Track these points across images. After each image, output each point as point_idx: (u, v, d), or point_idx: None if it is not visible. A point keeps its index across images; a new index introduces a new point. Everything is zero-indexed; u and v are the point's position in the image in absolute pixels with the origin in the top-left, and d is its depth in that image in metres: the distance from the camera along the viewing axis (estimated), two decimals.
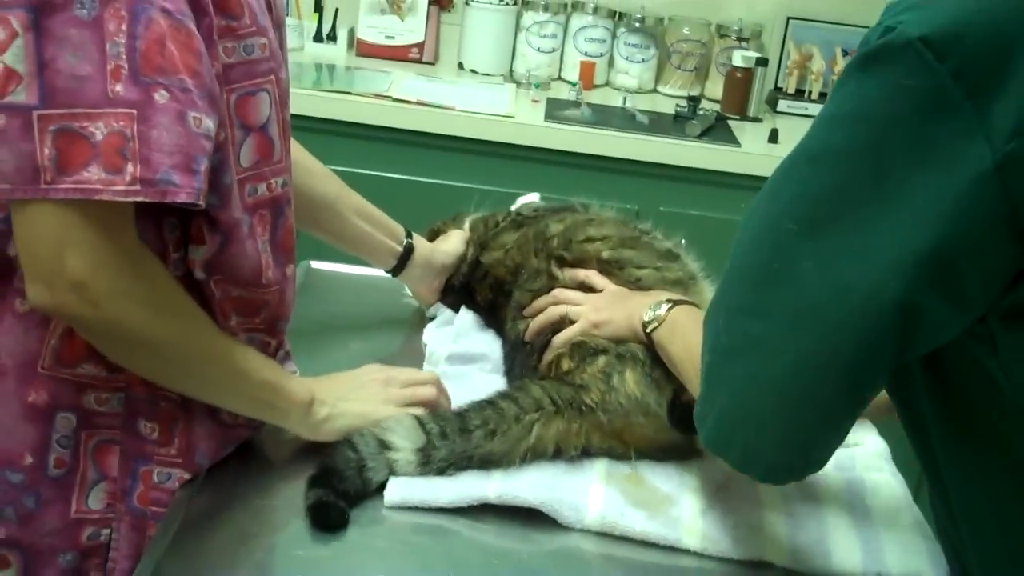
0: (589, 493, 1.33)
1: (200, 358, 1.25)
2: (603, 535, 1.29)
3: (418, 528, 1.27)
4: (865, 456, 1.50)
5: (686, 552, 1.28)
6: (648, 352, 1.42)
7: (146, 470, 1.30)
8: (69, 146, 1.07)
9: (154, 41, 1.09)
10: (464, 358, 1.62)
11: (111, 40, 1.08)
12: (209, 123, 1.13)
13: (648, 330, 1.39)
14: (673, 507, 1.34)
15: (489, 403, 1.38)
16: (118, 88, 1.08)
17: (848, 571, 1.27)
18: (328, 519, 1.25)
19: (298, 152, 1.61)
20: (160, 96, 1.09)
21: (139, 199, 1.08)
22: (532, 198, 1.91)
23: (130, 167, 1.08)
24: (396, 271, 1.74)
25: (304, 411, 1.34)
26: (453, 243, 1.78)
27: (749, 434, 1.03)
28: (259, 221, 1.28)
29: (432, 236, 1.83)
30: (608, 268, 1.57)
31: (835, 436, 1.04)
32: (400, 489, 1.31)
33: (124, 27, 1.08)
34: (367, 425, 1.34)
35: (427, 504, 1.30)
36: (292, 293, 1.37)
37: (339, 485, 1.28)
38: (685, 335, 1.32)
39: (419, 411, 1.39)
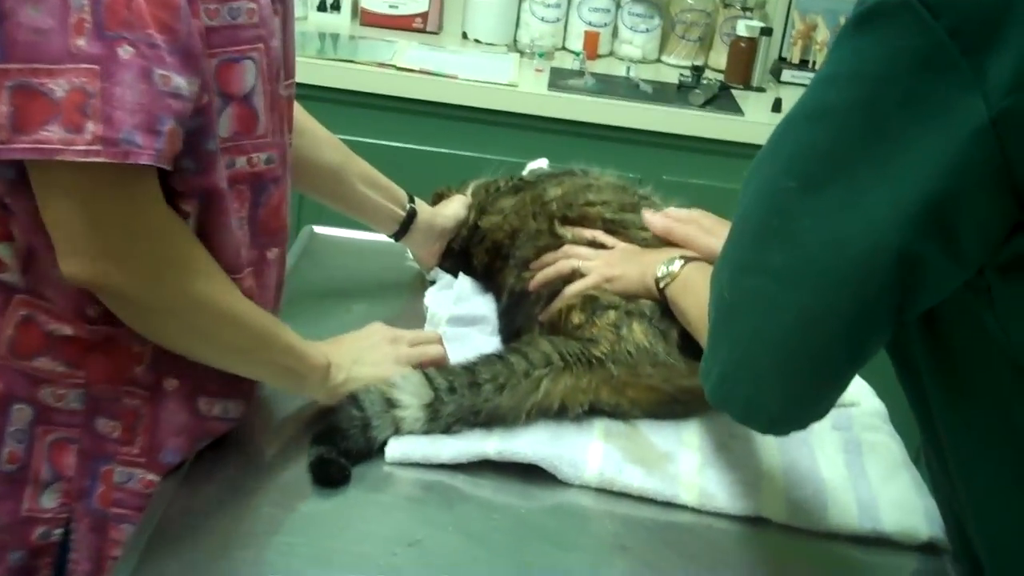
0: (588, 450, 1.35)
1: (228, 322, 1.22)
2: (601, 491, 1.31)
3: (418, 484, 1.29)
4: (862, 416, 1.51)
5: (683, 508, 1.30)
6: (656, 307, 1.44)
7: (107, 469, 1.26)
8: (28, 103, 1.02)
9: None
10: (465, 320, 1.63)
11: None
12: (180, 81, 1.08)
13: (661, 286, 1.41)
14: (671, 464, 1.35)
15: (498, 357, 1.39)
16: (80, 43, 1.03)
17: (844, 527, 1.29)
18: (329, 475, 1.27)
19: (305, 120, 1.62)
20: (124, 51, 1.04)
21: (99, 159, 1.03)
22: (541, 164, 1.92)
23: (91, 125, 1.03)
24: (398, 235, 1.75)
25: (323, 376, 1.34)
26: (454, 207, 1.79)
27: (751, 388, 1.04)
28: (236, 196, 1.24)
29: (436, 200, 1.84)
30: (612, 228, 1.58)
31: (835, 389, 1.04)
32: (401, 446, 1.32)
33: None
34: (380, 382, 1.35)
35: (428, 460, 1.31)
36: (276, 278, 1.34)
37: (342, 443, 1.29)
38: (697, 292, 1.34)
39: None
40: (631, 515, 1.28)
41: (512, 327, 1.58)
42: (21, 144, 1.03)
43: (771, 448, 1.40)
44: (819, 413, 1.06)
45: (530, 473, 1.31)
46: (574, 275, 1.51)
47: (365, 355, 1.40)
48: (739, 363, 1.04)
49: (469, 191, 1.84)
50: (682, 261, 1.41)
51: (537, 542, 1.21)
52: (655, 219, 1.56)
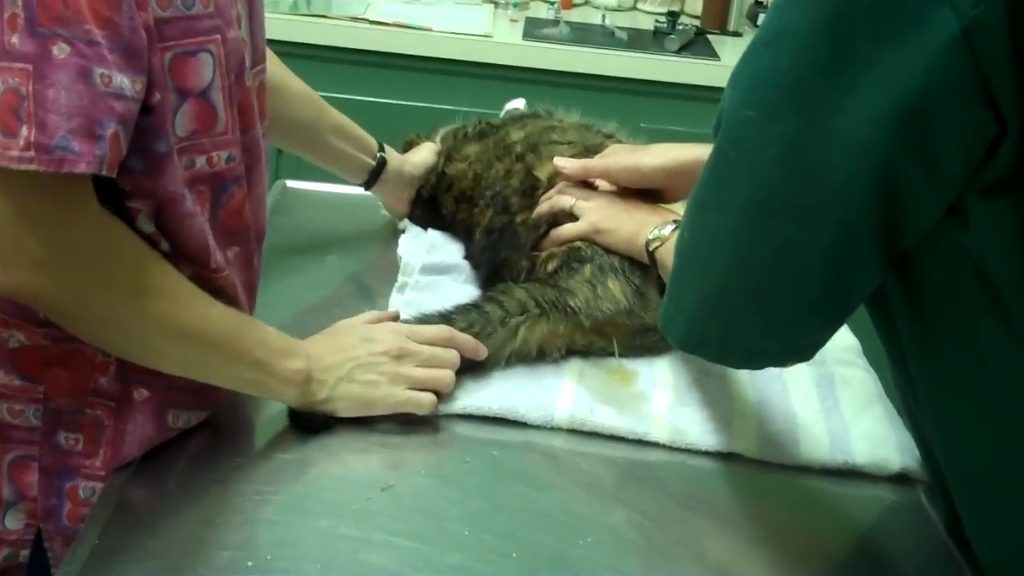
0: (560, 392, 1.35)
1: (179, 338, 1.14)
2: (574, 432, 1.31)
3: (392, 429, 1.28)
4: (835, 351, 1.51)
5: (656, 446, 1.30)
6: (628, 262, 1.43)
7: (71, 486, 1.19)
8: None
9: None
10: (438, 268, 1.62)
11: None
12: (122, 80, 1.00)
13: (651, 248, 1.39)
14: (644, 403, 1.35)
15: (474, 306, 1.39)
16: (14, 40, 0.96)
17: (815, 460, 1.29)
18: (310, 423, 1.26)
19: (281, 75, 1.59)
20: (59, 50, 0.97)
21: (32, 167, 0.96)
22: (519, 103, 1.91)
23: (24, 130, 0.96)
24: (368, 184, 1.75)
25: (299, 391, 1.23)
26: (423, 154, 1.79)
27: (723, 327, 1.03)
28: (197, 198, 1.16)
29: (406, 148, 1.83)
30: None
31: (824, 325, 1.03)
32: None
33: None
34: (369, 412, 1.27)
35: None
36: (243, 278, 1.26)
37: None
38: None
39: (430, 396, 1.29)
40: (603, 454, 1.29)
41: (493, 263, 1.56)
42: None
43: (744, 384, 1.40)
44: (806, 348, 1.05)
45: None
46: (566, 215, 1.50)
47: (358, 373, 1.26)
48: (708, 303, 1.03)
49: (438, 138, 1.83)
50: (674, 225, 1.39)
51: (510, 482, 1.21)
52: (566, 162, 1.54)
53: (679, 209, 1.49)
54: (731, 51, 3.03)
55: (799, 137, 0.92)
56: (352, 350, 1.28)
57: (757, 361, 1.09)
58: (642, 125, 2.83)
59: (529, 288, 1.42)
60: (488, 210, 1.61)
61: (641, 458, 1.28)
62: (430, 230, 1.74)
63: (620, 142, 1.65)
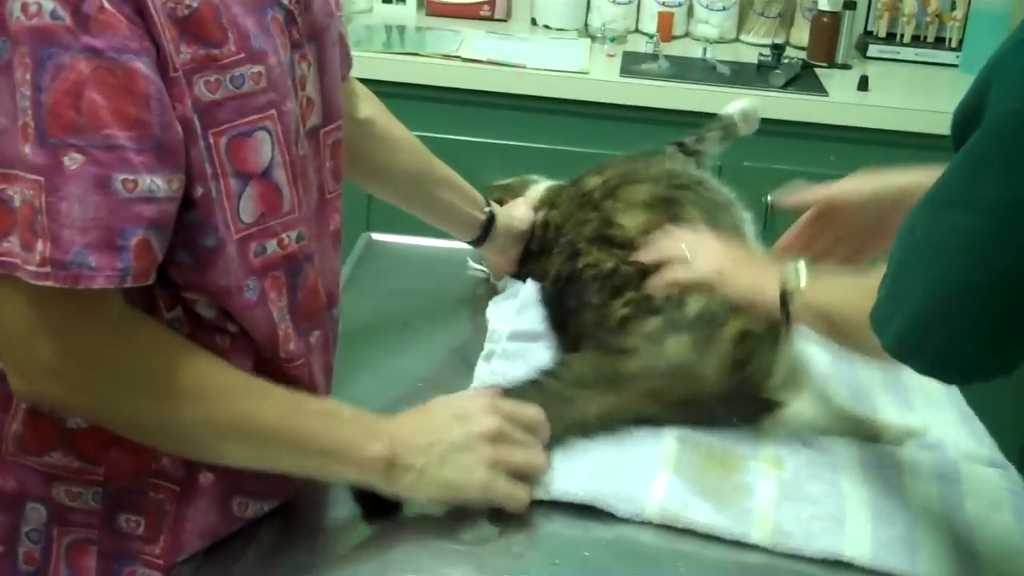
0: (653, 483, 1.24)
1: (226, 437, 1.08)
2: (665, 527, 1.20)
3: (474, 526, 1.19)
4: (958, 436, 1.39)
5: (755, 548, 1.18)
6: (702, 320, 1.34)
7: (130, 571, 1.13)
8: None
9: (65, 92, 0.92)
10: (527, 335, 1.53)
11: (19, 91, 0.92)
12: (154, 182, 0.95)
13: (787, 287, 1.23)
14: (747, 498, 1.24)
15: (532, 383, 1.32)
16: (27, 150, 0.92)
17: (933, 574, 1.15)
18: (377, 508, 1.18)
19: (386, 123, 1.55)
20: (71, 160, 0.93)
21: (48, 283, 0.93)
22: (741, 104, 1.80)
23: (40, 245, 0.93)
24: (479, 241, 1.66)
25: (381, 478, 1.13)
26: (523, 209, 1.69)
27: (946, 338, 0.95)
28: (272, 285, 1.10)
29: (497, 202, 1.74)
30: (663, 206, 1.50)
31: None
32: None
33: (28, 76, 0.92)
34: (457, 499, 1.18)
35: None
36: (322, 362, 1.21)
37: None
38: (829, 290, 1.20)
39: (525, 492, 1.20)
40: (705, 556, 1.17)
41: (559, 313, 1.50)
42: None
43: (857, 475, 1.28)
44: (1013, 362, 0.95)
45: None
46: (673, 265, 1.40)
47: (451, 456, 1.15)
48: (934, 310, 0.94)
49: (534, 195, 1.73)
50: (805, 264, 1.23)
51: None
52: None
53: None
54: (839, 85, 2.89)
55: None
56: (445, 431, 1.17)
57: (970, 376, 0.99)
58: (746, 164, 2.74)
59: (585, 359, 1.37)
60: (559, 257, 1.53)
61: (748, 562, 1.17)
62: (524, 288, 1.64)
63: (708, 188, 1.58)
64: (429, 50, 2.87)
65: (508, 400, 1.25)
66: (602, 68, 2.88)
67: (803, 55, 3.06)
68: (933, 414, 1.45)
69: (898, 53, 3.14)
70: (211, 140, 1.02)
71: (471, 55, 2.84)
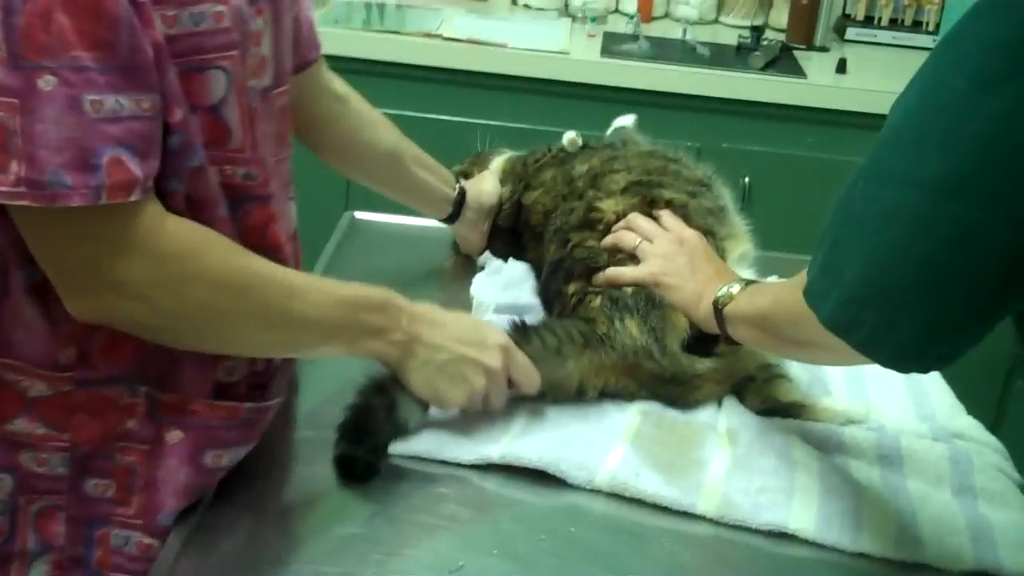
0: (608, 453, 1.27)
1: (279, 324, 1.14)
2: (656, 508, 1.22)
3: (460, 500, 1.21)
4: (902, 417, 1.42)
5: (701, 518, 1.21)
6: (648, 305, 1.39)
7: (103, 533, 1.16)
8: None
9: (36, 15, 0.94)
10: (513, 309, 1.54)
11: None
12: (119, 102, 0.98)
13: (720, 305, 1.31)
14: (699, 471, 1.26)
15: (534, 330, 1.36)
16: (0, 74, 0.94)
17: (876, 550, 1.18)
18: (354, 472, 1.21)
19: (361, 106, 1.57)
20: (45, 83, 0.95)
21: (25, 202, 0.96)
22: (628, 121, 1.83)
23: (14, 165, 0.95)
24: (452, 218, 1.68)
25: (399, 353, 1.22)
26: (490, 182, 1.73)
27: (882, 313, 0.95)
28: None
29: (461, 178, 1.76)
30: (638, 189, 1.54)
31: (975, 327, 0.94)
32: (403, 439, 1.27)
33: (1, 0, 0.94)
34: (435, 404, 1.26)
35: (430, 456, 1.25)
36: None
37: (368, 440, 1.23)
38: (761, 293, 1.27)
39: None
40: (690, 532, 1.19)
41: (547, 296, 1.53)
42: None
43: (809, 450, 1.30)
44: (949, 354, 0.96)
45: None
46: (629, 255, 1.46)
47: (451, 367, 1.24)
48: (871, 283, 0.95)
49: (495, 166, 1.77)
50: (739, 286, 1.31)
51: (588, 566, 1.12)
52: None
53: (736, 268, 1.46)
54: (817, 67, 2.90)
55: (1010, 114, 0.85)
56: (458, 345, 1.25)
57: (903, 360, 0.99)
58: (724, 145, 2.76)
59: (569, 322, 1.40)
60: (551, 246, 1.56)
61: (731, 538, 1.18)
62: (507, 266, 1.66)
63: (686, 166, 1.62)
64: (410, 28, 2.87)
65: (521, 352, 1.29)
66: (583, 48, 2.89)
67: (782, 37, 3.08)
68: (884, 393, 1.47)
69: (876, 36, 3.16)
70: (172, 71, 1.05)
71: (452, 34, 2.83)
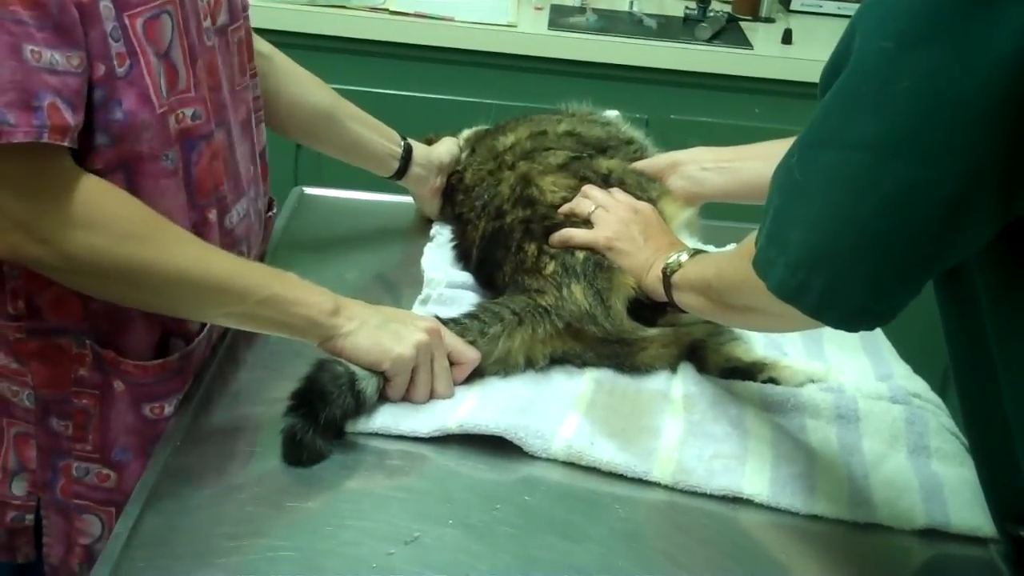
0: (562, 421, 1.27)
1: (179, 280, 1.17)
2: (610, 475, 1.22)
3: (413, 472, 1.21)
4: (860, 376, 1.45)
5: (656, 485, 1.22)
6: (596, 269, 1.41)
7: (65, 464, 1.27)
8: None
9: None
10: (463, 285, 1.55)
11: None
12: (54, 56, 1.05)
13: (668, 272, 1.33)
14: (652, 439, 1.27)
15: (453, 321, 1.36)
16: None
17: (830, 511, 1.19)
18: (299, 458, 1.20)
19: (287, 63, 1.59)
20: None
21: None
22: (610, 115, 1.82)
23: None
24: (399, 174, 1.69)
25: (327, 318, 1.24)
26: (448, 143, 1.75)
27: (829, 276, 0.95)
28: (179, 156, 1.22)
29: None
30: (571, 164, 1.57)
31: (917, 280, 0.95)
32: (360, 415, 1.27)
33: None
34: (379, 361, 1.25)
35: (387, 431, 1.25)
36: (221, 240, 1.31)
37: (325, 412, 1.21)
38: (707, 261, 1.29)
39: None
40: (644, 499, 1.20)
41: (488, 269, 1.52)
42: None
43: (761, 414, 1.32)
44: (894, 308, 0.97)
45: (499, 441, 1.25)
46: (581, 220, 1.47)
47: (390, 325, 1.27)
48: (816, 247, 0.95)
49: (464, 134, 1.79)
50: (688, 255, 1.34)
51: (543, 534, 1.12)
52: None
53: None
54: (764, 38, 2.91)
55: (938, 69, 0.86)
56: (388, 318, 1.29)
57: (853, 320, 0.99)
58: (672, 117, 2.76)
59: (501, 301, 1.41)
60: (480, 221, 1.56)
61: (685, 504, 1.19)
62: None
63: (618, 133, 1.67)
64: (355, 3, 2.83)
65: (450, 332, 1.31)
66: (530, 21, 2.88)
67: (728, 8, 3.08)
68: (842, 355, 1.49)
69: (821, 6, 3.17)
70: (126, 22, 1.13)
71: (398, 8, 2.81)
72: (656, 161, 1.64)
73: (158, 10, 1.16)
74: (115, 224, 1.13)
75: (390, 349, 1.24)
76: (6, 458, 1.27)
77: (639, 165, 1.63)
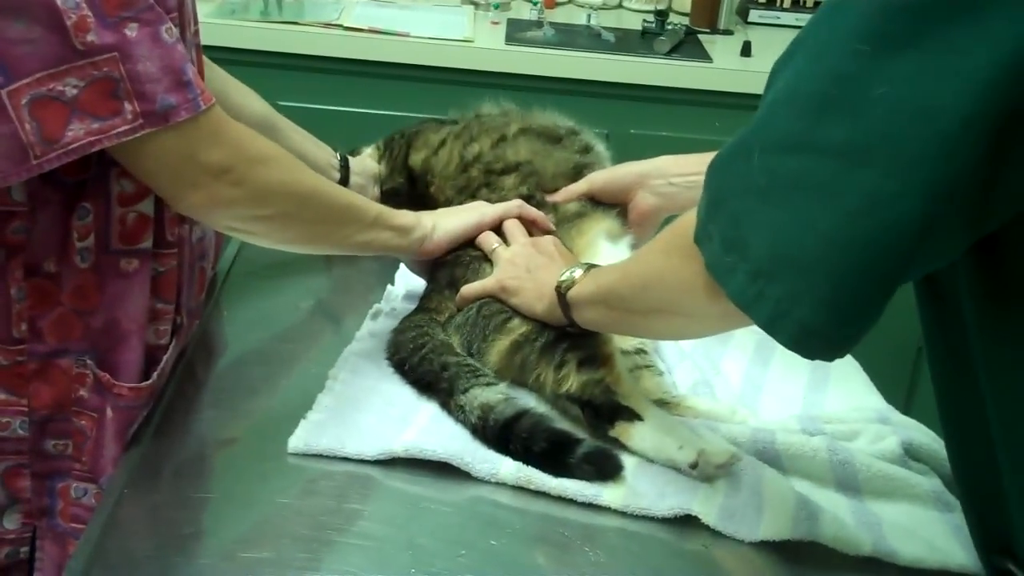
0: None
1: (330, 203, 1.33)
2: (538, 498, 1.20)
3: (373, 517, 1.15)
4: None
5: (607, 509, 1.19)
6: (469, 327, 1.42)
7: (63, 486, 1.27)
8: (46, 112, 1.05)
9: None
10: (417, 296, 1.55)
11: None
12: (172, 29, 1.12)
13: (562, 290, 1.30)
14: None
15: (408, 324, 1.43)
16: (89, 38, 1.05)
17: (774, 535, 1.16)
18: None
19: (224, 73, 1.59)
20: (130, 30, 1.07)
21: (146, 131, 1.09)
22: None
23: (127, 106, 1.08)
24: (343, 183, 1.67)
25: (420, 222, 1.44)
26: (367, 154, 1.76)
27: (787, 287, 0.91)
28: None
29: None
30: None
31: (880, 301, 0.90)
32: (305, 436, 1.25)
33: None
34: (475, 227, 1.48)
35: (332, 453, 1.23)
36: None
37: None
38: (607, 270, 1.26)
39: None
40: (612, 539, 1.15)
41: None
42: (53, 154, 1.06)
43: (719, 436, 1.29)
44: (853, 333, 0.92)
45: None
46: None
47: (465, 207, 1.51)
48: (778, 257, 0.91)
49: (368, 150, 1.78)
50: (581, 269, 1.31)
51: None
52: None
53: None
54: (722, 51, 2.89)
55: (916, 75, 0.83)
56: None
57: (804, 341, 0.93)
58: (632, 131, 2.73)
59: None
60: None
61: (659, 543, 1.15)
62: None
63: (578, 136, 1.68)
64: (309, 19, 2.79)
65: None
66: (486, 36, 2.84)
67: (686, 21, 3.06)
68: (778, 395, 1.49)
69: (779, 18, 3.16)
70: None
71: (352, 23, 2.77)
72: (622, 176, 1.59)
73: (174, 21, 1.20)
74: (277, 156, 1.26)
75: (476, 208, 1.50)
76: None
77: (602, 177, 1.58)
